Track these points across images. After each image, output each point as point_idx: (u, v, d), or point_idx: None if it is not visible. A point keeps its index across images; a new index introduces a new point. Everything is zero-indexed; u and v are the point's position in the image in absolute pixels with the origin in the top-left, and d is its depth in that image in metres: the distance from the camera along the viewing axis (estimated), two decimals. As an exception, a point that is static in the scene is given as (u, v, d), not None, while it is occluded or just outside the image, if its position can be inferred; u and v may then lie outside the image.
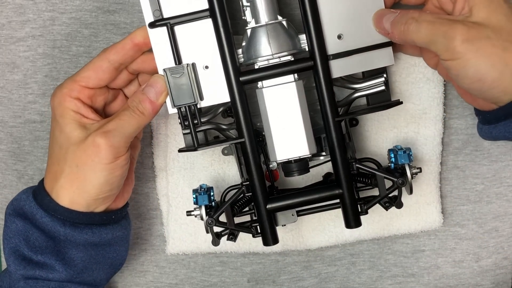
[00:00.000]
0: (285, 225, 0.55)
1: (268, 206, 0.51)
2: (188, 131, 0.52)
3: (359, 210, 0.52)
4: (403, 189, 0.51)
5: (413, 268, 0.61)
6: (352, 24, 0.50)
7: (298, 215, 0.55)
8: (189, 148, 0.52)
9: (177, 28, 0.50)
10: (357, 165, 0.52)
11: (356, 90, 0.53)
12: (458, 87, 0.53)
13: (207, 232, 0.52)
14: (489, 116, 0.50)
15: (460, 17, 0.46)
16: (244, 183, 0.52)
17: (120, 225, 0.54)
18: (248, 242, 0.59)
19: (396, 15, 0.47)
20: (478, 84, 0.46)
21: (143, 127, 0.51)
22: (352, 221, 0.51)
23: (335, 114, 0.50)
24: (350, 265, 0.61)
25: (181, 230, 0.60)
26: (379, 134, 0.58)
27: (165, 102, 0.51)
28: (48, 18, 0.59)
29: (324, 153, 0.55)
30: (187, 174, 0.59)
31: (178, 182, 0.59)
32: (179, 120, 0.51)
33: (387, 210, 0.53)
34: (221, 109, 0.53)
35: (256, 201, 0.51)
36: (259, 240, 0.53)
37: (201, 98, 0.51)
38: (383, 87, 0.52)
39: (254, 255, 0.62)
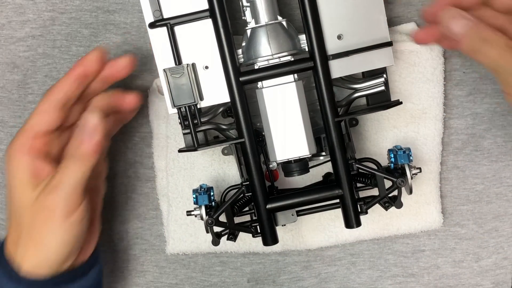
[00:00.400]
0: (285, 225, 0.55)
1: (268, 206, 0.51)
2: (188, 131, 0.51)
3: (359, 210, 0.52)
4: (403, 189, 0.51)
5: (413, 268, 0.61)
6: (352, 24, 0.50)
7: (298, 215, 0.54)
8: (189, 148, 0.52)
9: (177, 28, 0.50)
10: (357, 165, 0.52)
11: (356, 90, 0.53)
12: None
13: (207, 232, 0.52)
14: None
15: None
16: (244, 183, 0.52)
17: (90, 276, 0.52)
18: (248, 242, 0.59)
19: (471, 26, 0.44)
20: None
21: (90, 170, 0.48)
22: (352, 221, 0.51)
23: (335, 114, 0.50)
24: (350, 265, 0.61)
25: (181, 230, 0.59)
26: (379, 134, 0.58)
27: (109, 137, 0.50)
28: (48, 18, 0.59)
29: (324, 153, 0.55)
30: (187, 174, 0.59)
31: (178, 182, 0.59)
32: (179, 120, 0.51)
33: (387, 210, 0.53)
34: (221, 109, 0.53)
35: (256, 201, 0.51)
36: (259, 240, 0.53)
37: (201, 98, 0.51)
38: (383, 87, 0.52)
39: (254, 255, 0.62)
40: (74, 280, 0.50)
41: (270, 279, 0.62)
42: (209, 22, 0.49)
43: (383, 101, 0.53)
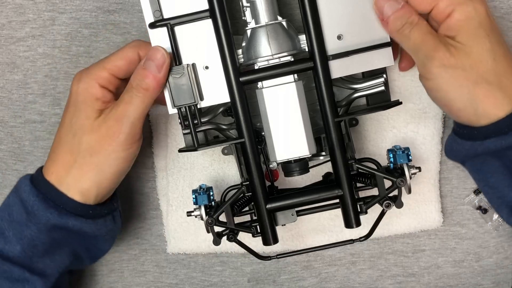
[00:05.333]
0: (285, 224, 0.54)
1: (268, 206, 0.52)
2: (188, 131, 0.51)
3: (359, 210, 0.52)
4: (403, 188, 0.51)
5: (414, 268, 0.61)
6: (352, 24, 0.49)
7: (298, 215, 0.54)
8: (189, 148, 0.52)
9: (177, 29, 0.50)
10: (356, 165, 0.52)
11: (356, 90, 0.53)
12: None
13: (208, 231, 0.52)
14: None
15: (449, 40, 0.46)
16: (244, 183, 0.52)
17: (113, 218, 0.54)
18: (248, 242, 0.59)
19: (399, 8, 0.47)
20: (445, 108, 0.49)
21: (152, 104, 0.50)
22: (352, 221, 0.51)
23: (335, 114, 0.50)
24: (350, 265, 0.61)
25: (181, 229, 0.60)
26: (379, 134, 0.58)
27: (167, 78, 0.49)
28: (48, 18, 0.59)
29: (323, 153, 0.55)
30: (187, 174, 0.59)
31: (178, 182, 0.59)
32: (179, 120, 0.51)
33: (387, 210, 0.53)
34: (221, 109, 0.53)
35: (256, 201, 0.52)
36: (259, 240, 0.53)
37: (201, 98, 0.50)
38: (382, 88, 0.52)
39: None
40: (104, 216, 0.52)
41: (271, 279, 0.62)
42: (209, 22, 0.49)
43: (383, 101, 0.53)
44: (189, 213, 0.53)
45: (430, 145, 0.57)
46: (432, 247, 0.61)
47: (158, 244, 0.62)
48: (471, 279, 0.61)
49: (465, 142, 0.49)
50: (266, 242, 0.52)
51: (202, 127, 0.52)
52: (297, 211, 0.54)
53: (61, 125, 0.51)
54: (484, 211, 0.60)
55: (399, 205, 0.52)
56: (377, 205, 0.53)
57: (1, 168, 0.62)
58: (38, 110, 0.60)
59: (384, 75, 0.52)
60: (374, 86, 0.53)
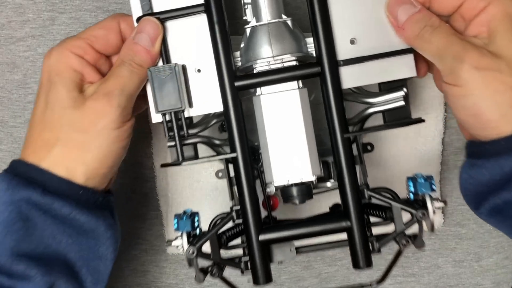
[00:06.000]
0: (281, 262, 0.47)
1: (261, 236, 0.44)
2: (173, 143, 0.45)
3: (371, 248, 0.45)
4: (424, 224, 0.45)
5: (414, 268, 0.61)
6: (368, 27, 0.44)
7: (298, 252, 0.48)
8: (173, 162, 0.46)
9: (168, 24, 0.45)
10: (369, 193, 0.45)
11: (371, 105, 0.47)
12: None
13: (190, 265, 0.45)
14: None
15: (477, 40, 0.41)
16: (234, 207, 0.45)
17: (112, 215, 0.46)
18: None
19: (416, 12, 0.42)
20: (472, 119, 0.41)
21: (145, 81, 0.45)
22: (361, 260, 0.44)
23: (344, 129, 0.43)
24: (351, 265, 0.61)
25: (181, 230, 0.59)
26: (396, 159, 0.55)
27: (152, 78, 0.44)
28: (48, 18, 0.59)
29: (332, 180, 0.48)
30: (187, 174, 0.58)
31: (178, 182, 0.59)
32: (164, 130, 0.45)
33: (403, 248, 0.45)
34: (214, 121, 0.48)
35: (247, 229, 0.44)
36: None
37: (190, 105, 0.45)
38: (402, 102, 0.45)
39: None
40: (100, 206, 0.45)
41: (271, 279, 0.62)
42: (204, 18, 0.44)
43: (401, 117, 0.46)
44: (168, 242, 0.47)
45: (431, 145, 0.57)
46: (432, 247, 0.61)
47: (158, 244, 0.62)
48: (471, 279, 0.61)
49: (487, 162, 0.41)
50: (256, 281, 0.44)
51: (190, 140, 0.46)
52: (297, 248, 0.48)
53: (35, 107, 0.45)
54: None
55: (420, 244, 0.45)
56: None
57: (1, 168, 0.62)
58: (38, 110, 0.60)
59: (405, 89, 0.45)
60: (393, 100, 0.46)
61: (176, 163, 0.45)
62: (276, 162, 0.44)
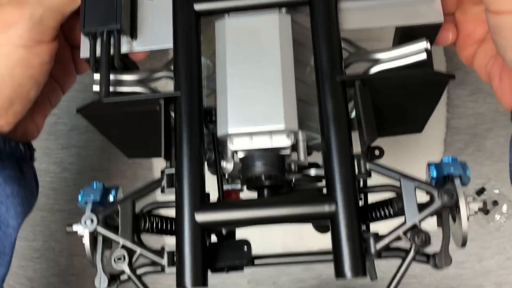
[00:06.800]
0: (227, 269, 0.34)
1: (199, 216, 0.30)
2: (98, 76, 0.34)
3: (365, 250, 0.31)
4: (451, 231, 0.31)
5: (415, 269, 0.61)
6: None
7: (257, 264, 0.36)
8: (92, 102, 0.34)
9: None
10: (369, 165, 0.32)
11: (378, 61, 0.35)
12: (499, 85, 0.39)
13: (91, 254, 0.33)
14: None
15: None
16: (166, 169, 0.32)
17: (20, 168, 0.37)
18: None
19: None
20: None
21: (70, 9, 0.36)
22: (350, 264, 0.30)
23: (337, 69, 0.31)
24: (351, 266, 0.61)
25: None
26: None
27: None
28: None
29: (317, 169, 0.35)
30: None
31: (177, 183, 0.57)
32: (90, 60, 0.35)
33: (418, 249, 0.33)
34: (162, 74, 0.37)
35: (179, 203, 0.31)
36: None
37: (134, 35, 0.35)
38: (424, 56, 0.33)
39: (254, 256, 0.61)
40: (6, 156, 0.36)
41: (271, 280, 0.62)
42: None
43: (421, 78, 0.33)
44: (69, 226, 0.34)
45: (434, 145, 0.57)
46: (433, 248, 0.60)
47: (158, 245, 0.62)
48: (473, 280, 0.61)
49: None
50: (180, 283, 0.31)
51: (125, 77, 0.35)
52: (255, 259, 0.35)
53: None
54: (486, 212, 0.60)
55: (445, 258, 0.32)
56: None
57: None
58: (36, 110, 0.60)
59: (426, 42, 0.34)
60: (411, 53, 0.33)
61: (93, 104, 0.34)
62: (236, 104, 0.31)
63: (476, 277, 0.61)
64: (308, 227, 0.59)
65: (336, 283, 0.61)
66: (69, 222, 0.32)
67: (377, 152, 0.35)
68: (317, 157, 0.35)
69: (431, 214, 0.31)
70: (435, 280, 0.61)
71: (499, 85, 0.39)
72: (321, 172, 0.33)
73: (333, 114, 0.31)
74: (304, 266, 0.61)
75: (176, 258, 0.32)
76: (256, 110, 0.31)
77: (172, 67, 0.34)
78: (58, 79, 0.41)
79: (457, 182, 0.31)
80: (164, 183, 0.32)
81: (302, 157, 0.34)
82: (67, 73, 0.42)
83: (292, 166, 0.34)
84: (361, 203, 0.34)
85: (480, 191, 0.59)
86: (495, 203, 0.60)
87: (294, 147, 0.34)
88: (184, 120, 0.31)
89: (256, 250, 0.59)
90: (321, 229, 0.37)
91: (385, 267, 0.61)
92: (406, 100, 0.34)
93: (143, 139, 0.36)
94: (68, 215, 0.61)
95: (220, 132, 0.31)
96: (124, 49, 0.35)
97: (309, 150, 0.37)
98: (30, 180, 0.39)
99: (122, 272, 0.33)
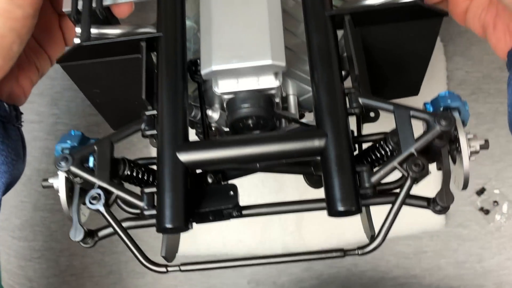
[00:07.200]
0: (214, 220, 0.30)
1: (181, 155, 0.28)
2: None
3: (359, 183, 0.28)
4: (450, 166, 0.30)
5: (415, 270, 0.61)
6: None
7: (245, 214, 0.31)
8: (71, 48, 0.32)
9: None
10: (362, 99, 0.29)
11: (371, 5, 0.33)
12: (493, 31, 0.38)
13: (64, 195, 0.31)
14: None
15: None
16: (147, 111, 0.30)
17: (4, 128, 0.36)
18: (248, 244, 0.59)
19: None
20: None
21: None
22: (341, 199, 0.27)
23: (327, 6, 0.30)
24: (352, 267, 0.61)
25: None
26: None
27: None
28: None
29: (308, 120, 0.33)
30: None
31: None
32: (72, 10, 0.33)
33: (415, 177, 0.29)
34: (146, 29, 0.35)
35: (161, 141, 0.29)
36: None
37: None
38: None
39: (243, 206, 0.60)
40: None
41: (271, 281, 0.62)
42: None
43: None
44: (45, 180, 0.32)
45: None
46: (434, 248, 0.60)
47: (157, 245, 0.61)
48: (473, 280, 0.61)
49: None
50: (160, 223, 0.29)
51: (107, 30, 0.34)
52: (243, 208, 0.31)
53: None
54: (486, 212, 0.60)
55: (446, 195, 0.30)
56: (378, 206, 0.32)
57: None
58: (36, 110, 0.60)
59: None
60: None
61: (75, 49, 0.32)
62: (220, 41, 0.30)
63: (477, 277, 0.61)
64: (308, 227, 0.59)
65: (336, 283, 0.61)
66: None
67: (372, 114, 0.34)
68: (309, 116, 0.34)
69: (429, 143, 0.28)
70: (435, 281, 0.61)
71: (493, 32, 0.39)
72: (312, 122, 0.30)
73: (322, 48, 0.29)
74: (304, 266, 0.61)
75: (156, 200, 0.29)
76: (242, 47, 0.29)
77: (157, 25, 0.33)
78: (45, 46, 0.40)
79: (456, 115, 0.30)
80: (144, 125, 0.30)
81: (293, 111, 0.33)
82: (54, 42, 0.41)
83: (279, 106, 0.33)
84: (355, 153, 0.31)
85: (480, 191, 0.59)
86: (495, 203, 0.60)
87: (285, 100, 0.33)
88: (166, 61, 0.30)
89: (256, 250, 0.60)
90: (314, 183, 0.36)
91: (385, 265, 0.61)
92: (399, 45, 0.32)
93: (127, 104, 0.34)
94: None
95: (204, 71, 0.29)
96: (107, 1, 0.34)
97: (302, 111, 0.35)
98: (15, 141, 0.37)
99: (101, 228, 0.32)
